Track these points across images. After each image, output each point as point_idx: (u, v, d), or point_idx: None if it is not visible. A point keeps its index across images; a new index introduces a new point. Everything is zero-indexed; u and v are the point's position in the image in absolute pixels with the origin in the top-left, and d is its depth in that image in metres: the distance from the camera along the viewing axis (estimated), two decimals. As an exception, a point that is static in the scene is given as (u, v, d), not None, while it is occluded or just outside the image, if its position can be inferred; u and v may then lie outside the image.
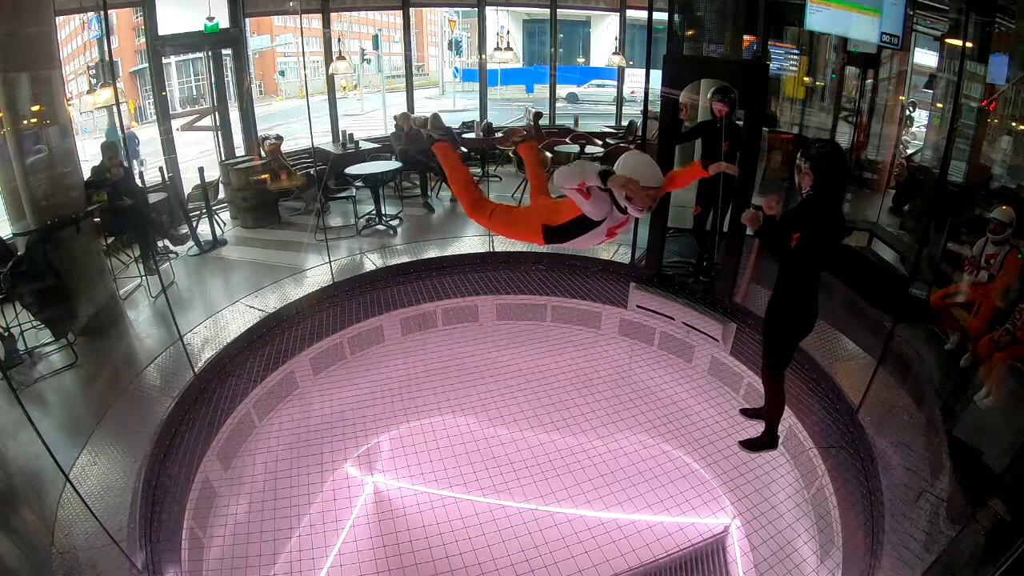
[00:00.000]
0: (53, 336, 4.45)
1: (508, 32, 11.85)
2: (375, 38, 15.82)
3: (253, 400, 4.45)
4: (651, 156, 2.47)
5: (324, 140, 8.59)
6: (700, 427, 4.58)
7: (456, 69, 18.81)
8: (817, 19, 5.22)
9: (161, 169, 6.48)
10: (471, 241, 6.34)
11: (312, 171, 7.51)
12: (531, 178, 3.15)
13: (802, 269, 2.87)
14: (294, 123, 10.44)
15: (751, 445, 3.39)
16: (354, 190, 7.09)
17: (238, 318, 4.93)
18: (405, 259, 6.00)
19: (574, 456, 4.51)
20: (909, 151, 6.62)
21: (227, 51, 7.65)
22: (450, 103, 16.78)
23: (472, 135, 8.84)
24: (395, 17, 9.95)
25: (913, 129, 6.62)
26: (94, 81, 7.38)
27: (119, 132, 7.35)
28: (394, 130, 8.07)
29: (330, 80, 8.58)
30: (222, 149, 7.65)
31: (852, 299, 4.89)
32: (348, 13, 13.28)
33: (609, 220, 2.39)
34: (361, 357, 5.27)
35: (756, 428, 3.47)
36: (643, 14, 7.19)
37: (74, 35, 7.45)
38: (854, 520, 3.29)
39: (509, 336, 5.62)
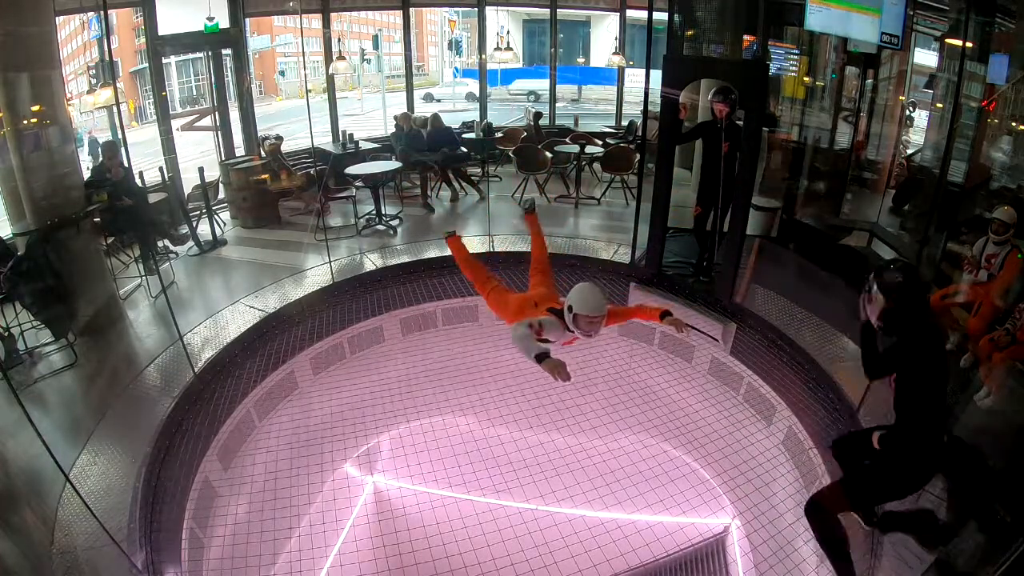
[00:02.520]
0: (53, 336, 4.44)
1: (508, 32, 11.86)
2: (375, 38, 15.83)
3: (253, 400, 4.45)
4: (597, 287, 2.83)
5: (324, 140, 8.59)
6: (700, 427, 4.58)
7: (456, 69, 18.81)
8: (817, 19, 5.21)
9: (161, 169, 6.48)
10: (471, 241, 6.34)
11: (312, 171, 7.51)
12: (534, 253, 3.60)
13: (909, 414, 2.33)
14: (294, 123, 10.44)
15: None
16: (354, 190, 7.09)
17: (238, 318, 4.93)
18: (405, 259, 6.00)
19: (574, 456, 4.51)
20: (909, 151, 6.62)
21: (227, 51, 7.65)
22: (450, 103, 16.79)
23: (472, 135, 8.84)
24: (395, 17, 9.95)
25: (914, 129, 6.63)
26: (94, 81, 7.38)
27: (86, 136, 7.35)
28: (394, 130, 8.08)
29: (330, 80, 8.59)
30: (222, 149, 7.65)
31: (852, 299, 4.88)
32: (348, 13, 13.28)
33: (563, 337, 2.89)
34: (361, 357, 5.27)
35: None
36: (643, 14, 7.19)
37: (74, 35, 7.45)
38: (854, 520, 3.29)
39: (509, 336, 5.62)
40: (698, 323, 4.79)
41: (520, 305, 3.13)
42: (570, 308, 2.77)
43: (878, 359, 2.40)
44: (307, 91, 7.39)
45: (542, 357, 2.53)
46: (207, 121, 7.77)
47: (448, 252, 6.03)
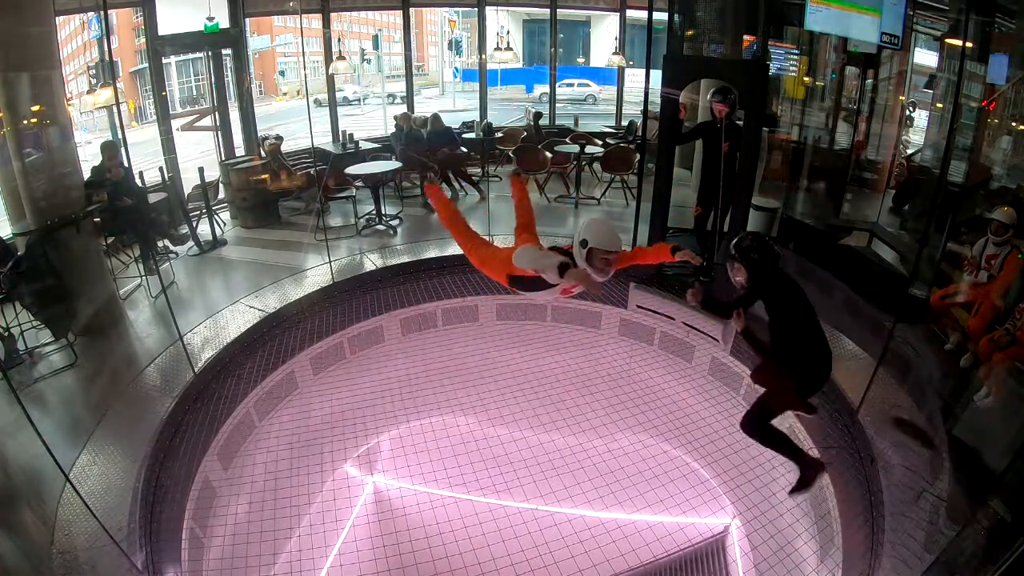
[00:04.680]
0: (53, 336, 4.44)
1: (508, 32, 11.86)
2: (375, 38, 15.82)
3: (253, 400, 4.45)
4: (610, 222, 2.63)
5: (324, 140, 8.59)
6: (700, 427, 4.58)
7: (456, 69, 18.81)
8: (817, 19, 5.22)
9: (161, 169, 6.48)
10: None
11: (312, 171, 7.51)
12: (518, 214, 3.28)
13: (785, 334, 2.88)
14: (294, 123, 10.45)
15: (801, 487, 3.05)
16: (354, 190, 7.09)
17: (238, 318, 4.92)
18: (405, 259, 6.00)
19: (574, 456, 4.51)
20: (909, 151, 6.62)
21: (227, 51, 7.65)
22: (450, 103, 16.79)
23: (472, 135, 8.84)
24: (395, 17, 9.95)
25: (914, 129, 6.63)
26: (94, 81, 7.38)
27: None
28: (394, 130, 8.07)
29: (330, 80, 8.59)
30: (222, 149, 7.65)
31: (852, 299, 4.89)
32: (348, 13, 13.28)
33: (564, 283, 2.43)
34: (361, 357, 5.27)
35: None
36: (643, 14, 7.20)
37: (74, 35, 7.45)
38: (854, 520, 3.30)
39: (509, 336, 5.62)
40: (698, 323, 4.79)
41: (504, 258, 2.78)
42: (584, 243, 2.42)
43: (734, 303, 2.98)
44: (307, 91, 7.38)
45: (564, 267, 2.26)
46: (207, 121, 7.77)
47: (448, 252, 6.11)
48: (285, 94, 17.52)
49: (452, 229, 3.15)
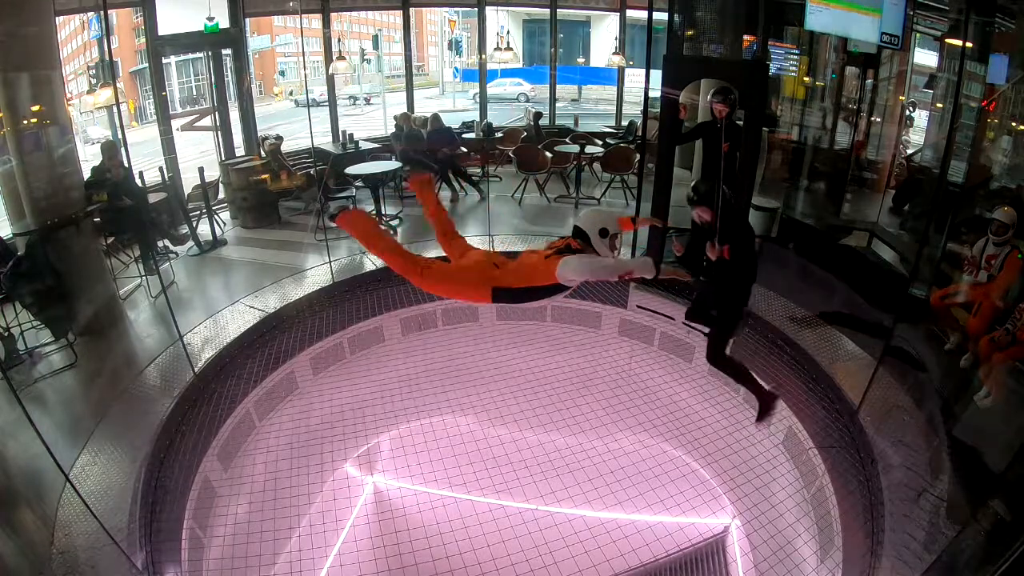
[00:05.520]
0: (53, 336, 4.44)
1: (508, 32, 11.87)
2: (375, 38, 15.83)
3: (253, 400, 4.45)
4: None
5: (324, 140, 8.59)
6: (700, 427, 4.59)
7: (456, 69, 18.82)
8: (817, 19, 5.21)
9: (161, 169, 6.48)
10: (471, 241, 6.29)
11: (312, 171, 7.51)
12: (434, 222, 2.92)
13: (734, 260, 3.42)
14: (294, 123, 10.45)
15: (763, 414, 3.64)
16: (354, 190, 7.09)
17: (238, 318, 4.92)
18: (405, 259, 5.99)
19: (574, 456, 4.51)
20: (909, 151, 6.62)
21: (227, 51, 7.65)
22: (450, 103, 16.79)
23: (472, 135, 8.84)
24: (395, 17, 9.97)
25: (914, 129, 6.63)
26: (94, 81, 7.38)
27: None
28: (394, 130, 8.07)
29: (330, 80, 8.59)
30: (222, 149, 7.65)
31: (852, 299, 4.89)
32: (348, 13, 13.29)
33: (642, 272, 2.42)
34: (361, 357, 5.27)
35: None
36: (643, 14, 7.20)
37: (74, 35, 7.45)
38: (854, 520, 3.29)
39: (509, 336, 5.62)
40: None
41: (480, 270, 2.55)
42: (604, 232, 2.50)
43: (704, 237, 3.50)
44: (307, 92, 7.39)
45: (623, 264, 2.40)
46: (207, 121, 7.77)
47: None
48: (276, 95, 17.55)
49: (384, 253, 2.66)
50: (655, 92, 4.86)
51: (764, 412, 3.61)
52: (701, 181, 3.62)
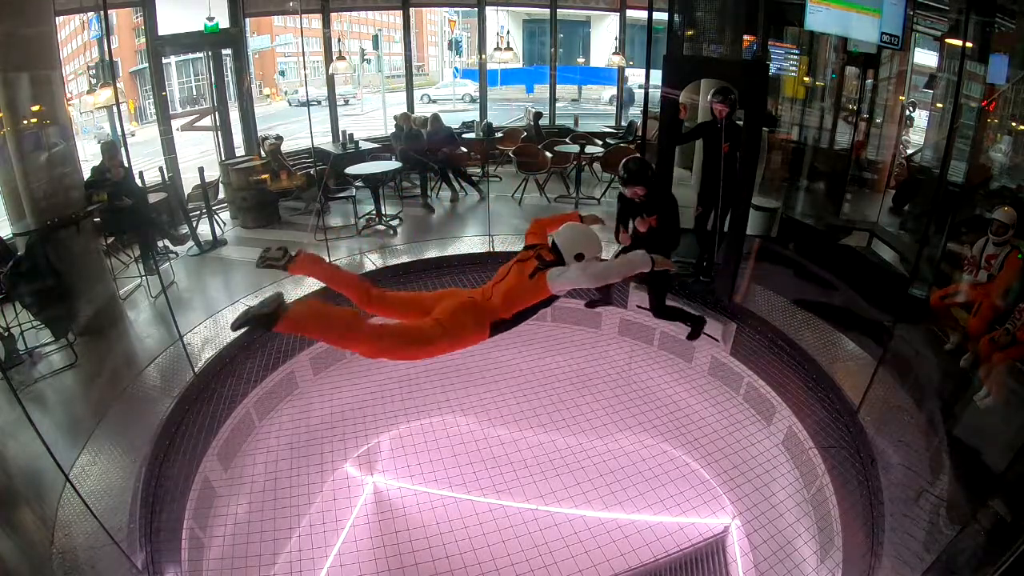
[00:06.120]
0: (53, 336, 4.44)
1: (508, 32, 11.87)
2: (375, 38, 15.82)
3: (253, 400, 4.45)
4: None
5: (324, 140, 8.59)
6: (700, 427, 4.59)
7: (456, 69, 18.81)
8: (817, 19, 5.21)
9: (161, 169, 6.48)
10: (471, 241, 6.34)
11: (312, 171, 7.51)
12: (401, 317, 2.62)
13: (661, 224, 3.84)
14: (294, 123, 10.45)
15: (692, 336, 4.36)
16: (354, 190, 7.09)
17: (238, 318, 4.92)
18: (405, 259, 6.00)
19: (574, 456, 4.51)
20: (909, 151, 6.62)
21: (227, 51, 7.65)
22: (449, 103, 16.79)
23: (472, 135, 8.84)
24: (395, 17, 9.96)
25: (914, 129, 6.63)
26: (94, 81, 7.37)
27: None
28: (394, 130, 8.07)
29: (330, 80, 8.59)
30: (222, 149, 7.65)
31: (852, 299, 4.89)
32: (348, 13, 13.29)
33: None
34: (361, 357, 5.25)
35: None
36: (643, 14, 7.20)
37: (74, 35, 7.45)
38: (854, 520, 3.30)
39: (509, 336, 5.57)
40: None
41: (476, 310, 2.50)
42: (579, 256, 2.44)
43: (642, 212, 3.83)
44: (307, 92, 7.38)
45: (623, 265, 2.50)
46: (207, 121, 7.77)
47: (448, 252, 6.12)
48: (268, 96, 17.51)
49: (365, 343, 2.26)
50: (653, 91, 4.87)
51: (693, 335, 4.33)
52: (631, 159, 3.79)
